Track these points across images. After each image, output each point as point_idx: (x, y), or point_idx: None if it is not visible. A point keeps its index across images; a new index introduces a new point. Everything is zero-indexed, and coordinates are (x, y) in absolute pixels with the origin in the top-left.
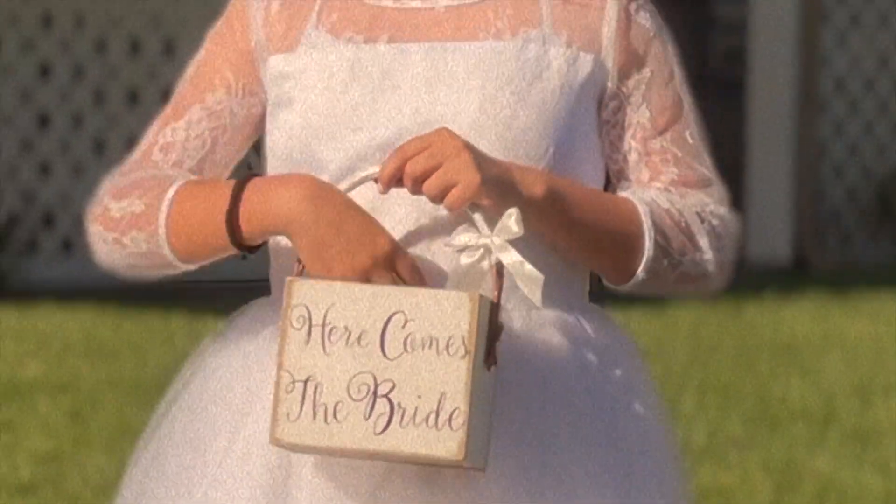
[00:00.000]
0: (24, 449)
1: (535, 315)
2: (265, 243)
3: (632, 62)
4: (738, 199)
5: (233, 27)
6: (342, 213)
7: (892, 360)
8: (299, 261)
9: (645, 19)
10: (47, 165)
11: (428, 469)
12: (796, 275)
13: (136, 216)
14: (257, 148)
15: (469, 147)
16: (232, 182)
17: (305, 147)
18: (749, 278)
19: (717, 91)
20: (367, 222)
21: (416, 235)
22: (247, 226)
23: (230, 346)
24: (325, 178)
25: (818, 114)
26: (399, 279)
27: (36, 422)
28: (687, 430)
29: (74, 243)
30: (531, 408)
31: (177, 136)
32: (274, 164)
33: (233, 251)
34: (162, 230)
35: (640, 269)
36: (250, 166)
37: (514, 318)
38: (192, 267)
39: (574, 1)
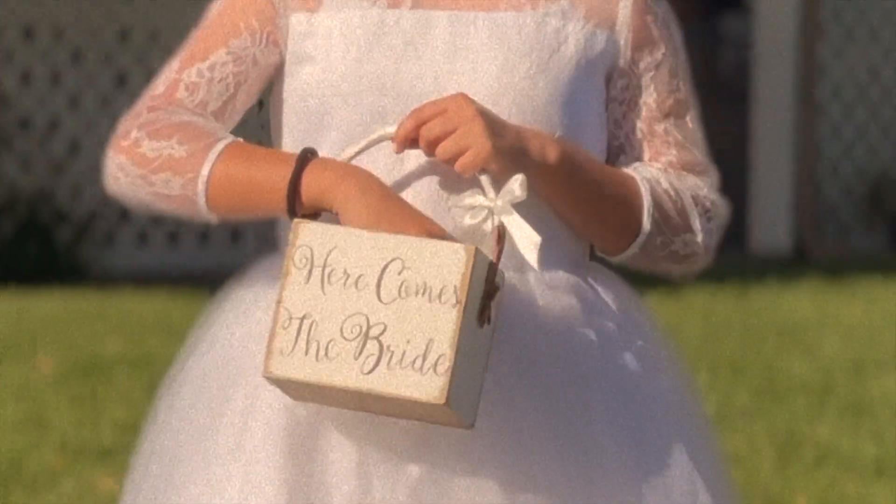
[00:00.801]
0: (106, 418)
1: (549, 278)
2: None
3: (644, 43)
4: (743, 195)
5: None
6: (384, 207)
7: (884, 339)
8: (316, 214)
9: (660, 7)
10: None
11: (460, 434)
12: (797, 263)
13: (174, 160)
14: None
15: (483, 113)
16: (287, 155)
17: (322, 102)
18: (754, 266)
19: (725, 99)
20: (406, 218)
21: (429, 196)
22: (304, 197)
23: (238, 311)
24: (334, 134)
25: (816, 118)
26: None
27: (116, 394)
28: (702, 400)
29: (149, 235)
30: (559, 379)
31: (202, 76)
32: (287, 112)
33: (277, 214)
34: (203, 180)
35: (636, 242)
36: (262, 102)
37: (531, 279)
38: (215, 219)
39: None
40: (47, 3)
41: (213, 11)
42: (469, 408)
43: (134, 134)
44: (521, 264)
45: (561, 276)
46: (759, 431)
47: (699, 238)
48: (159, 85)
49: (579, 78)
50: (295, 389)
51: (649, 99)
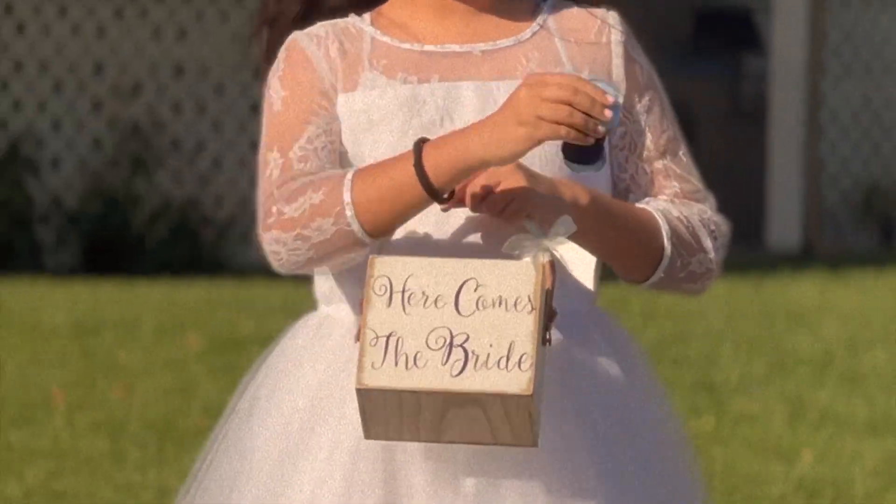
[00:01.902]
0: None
1: (572, 313)
2: (451, 195)
3: (635, 91)
4: (760, 201)
5: (305, 70)
6: (492, 114)
7: (875, 321)
8: (382, 246)
9: (640, 56)
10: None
11: (521, 450)
12: (803, 258)
13: (315, 206)
14: None
15: (521, 166)
16: (403, 155)
17: None
18: (768, 260)
19: (746, 123)
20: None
21: (479, 246)
22: (437, 174)
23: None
24: None
25: (819, 139)
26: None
27: (249, 366)
28: (724, 372)
29: None
30: (597, 406)
31: (306, 150)
32: None
33: (424, 204)
34: (349, 207)
35: (660, 268)
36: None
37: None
38: (376, 241)
39: (583, 41)
40: (195, 45)
41: (277, 108)
42: (538, 421)
43: (274, 210)
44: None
45: (585, 312)
46: (771, 396)
47: (711, 255)
48: (273, 172)
49: None
50: (379, 407)
51: (646, 140)
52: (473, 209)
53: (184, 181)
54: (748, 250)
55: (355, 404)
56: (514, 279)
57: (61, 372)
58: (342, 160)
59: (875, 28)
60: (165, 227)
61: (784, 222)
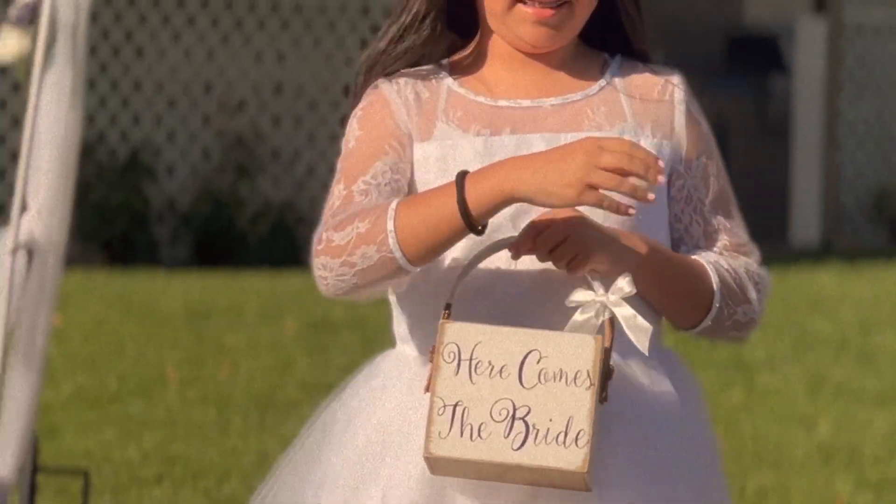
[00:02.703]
0: (333, 364)
1: (645, 361)
2: (485, 227)
3: (694, 150)
4: (785, 204)
5: (382, 113)
6: (541, 157)
7: (885, 308)
8: (446, 308)
9: (700, 116)
10: None
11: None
12: (822, 252)
13: (361, 235)
14: None
15: (586, 221)
16: (446, 186)
17: None
18: (791, 255)
19: (773, 137)
20: (562, 150)
21: (543, 294)
22: (476, 207)
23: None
24: (455, 252)
25: (836, 149)
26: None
27: (340, 346)
28: (753, 351)
29: None
30: (661, 450)
31: (369, 184)
32: None
33: (461, 235)
34: (392, 235)
35: (708, 316)
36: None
37: (633, 364)
38: (416, 268)
39: (648, 99)
40: (292, 67)
41: (351, 146)
42: (591, 470)
43: (325, 236)
44: (625, 350)
45: (654, 360)
46: (794, 372)
47: (755, 306)
48: (334, 203)
49: (654, 186)
50: (445, 467)
51: (701, 195)
52: (541, 259)
53: (282, 186)
54: (774, 246)
55: (420, 439)
56: (574, 353)
57: (175, 352)
58: None
59: (885, 53)
60: (266, 226)
61: (805, 222)
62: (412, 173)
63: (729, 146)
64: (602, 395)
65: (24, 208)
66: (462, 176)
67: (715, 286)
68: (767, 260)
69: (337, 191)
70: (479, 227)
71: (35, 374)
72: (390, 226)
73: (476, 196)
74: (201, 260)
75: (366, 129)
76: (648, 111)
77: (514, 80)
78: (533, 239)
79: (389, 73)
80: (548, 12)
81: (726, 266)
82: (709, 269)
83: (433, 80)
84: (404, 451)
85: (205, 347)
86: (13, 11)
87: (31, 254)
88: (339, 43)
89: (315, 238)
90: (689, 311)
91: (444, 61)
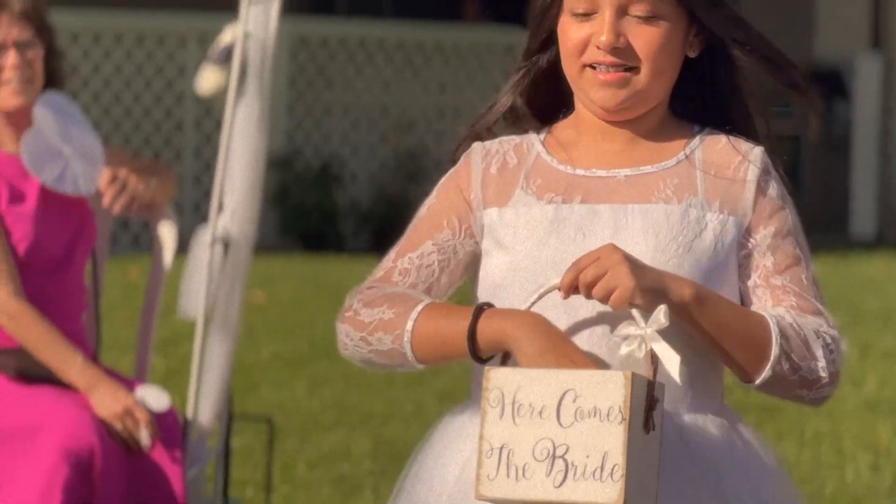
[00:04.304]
0: None
1: (699, 417)
2: (492, 357)
3: (761, 221)
4: (846, 203)
5: (459, 181)
6: (549, 343)
7: None
8: (505, 355)
9: (773, 189)
10: None
11: None
12: (876, 243)
13: (384, 322)
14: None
15: (628, 258)
16: (470, 308)
17: (510, 283)
18: (851, 244)
19: (837, 152)
20: (565, 351)
21: (596, 331)
22: (482, 340)
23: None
24: (517, 303)
25: (889, 162)
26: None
27: None
28: None
29: None
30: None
31: (412, 263)
32: (483, 291)
33: (466, 357)
34: (408, 334)
35: (767, 367)
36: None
37: (685, 419)
38: (421, 366)
39: (722, 176)
40: (452, 94)
41: (423, 211)
42: (649, 502)
43: (354, 306)
44: (676, 408)
45: (710, 418)
46: (848, 340)
47: (822, 364)
48: (378, 271)
49: (716, 257)
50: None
51: (767, 262)
52: (585, 296)
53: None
54: (836, 237)
55: None
56: (606, 390)
57: None
58: (476, 274)
59: None
60: None
61: (863, 218)
62: (479, 237)
63: (802, 159)
64: (648, 426)
65: (220, 209)
66: (480, 308)
67: (773, 334)
68: (831, 249)
69: (386, 259)
70: (484, 358)
71: (230, 341)
72: (409, 325)
73: (483, 331)
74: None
75: (439, 198)
76: (718, 188)
77: (596, 150)
78: (576, 276)
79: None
80: (611, 75)
81: (790, 321)
82: (769, 318)
83: (525, 147)
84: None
85: None
86: (212, 53)
87: (226, 246)
88: (488, 75)
89: (346, 303)
90: (748, 360)
91: (545, 129)
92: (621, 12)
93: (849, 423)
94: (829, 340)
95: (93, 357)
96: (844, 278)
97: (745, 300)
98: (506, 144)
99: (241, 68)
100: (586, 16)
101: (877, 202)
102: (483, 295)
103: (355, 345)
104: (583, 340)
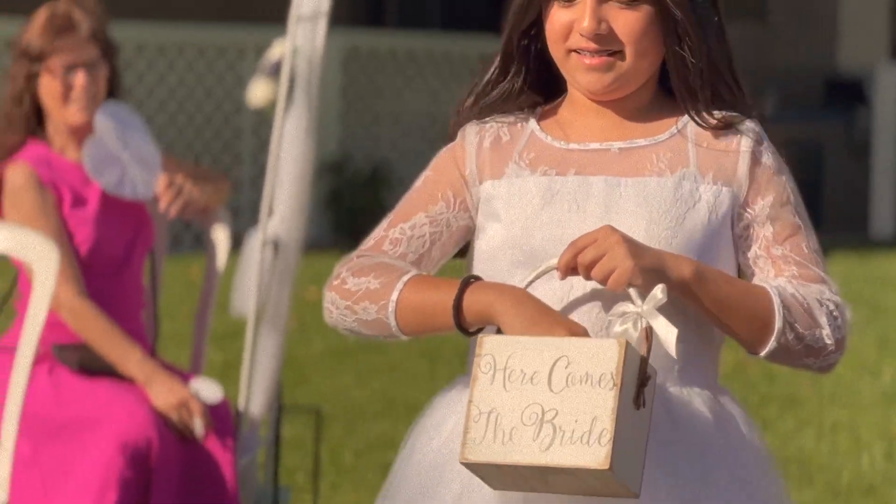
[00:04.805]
0: None
1: (686, 392)
2: (478, 330)
3: (759, 191)
4: (866, 204)
5: (455, 155)
6: (536, 314)
7: None
8: (498, 330)
9: (768, 158)
10: None
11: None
12: (895, 241)
13: (370, 291)
14: (463, 252)
15: (626, 239)
16: (456, 281)
17: (503, 253)
18: (870, 243)
19: (859, 156)
20: (553, 321)
21: (592, 310)
22: (468, 313)
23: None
24: (517, 278)
25: None
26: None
27: None
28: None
29: None
30: (684, 470)
31: (404, 234)
32: (479, 264)
33: (450, 330)
34: (392, 304)
35: (772, 339)
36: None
37: (670, 390)
38: (405, 337)
39: (714, 147)
40: None
41: (418, 183)
42: (633, 478)
43: (342, 275)
44: (664, 380)
45: (696, 391)
46: (867, 334)
47: (826, 331)
48: (370, 240)
49: (711, 229)
50: (488, 473)
51: (767, 232)
52: (584, 277)
53: None
54: (857, 236)
55: None
56: (600, 356)
57: None
58: (473, 235)
59: None
60: None
61: (882, 218)
62: (474, 211)
63: (824, 162)
64: (638, 401)
65: (270, 213)
66: (467, 281)
67: (776, 306)
68: (853, 247)
69: (379, 228)
70: (470, 330)
71: (279, 335)
72: (394, 296)
73: (469, 304)
74: None
75: (435, 170)
76: (712, 159)
77: (587, 125)
78: (575, 257)
79: (482, 117)
80: (595, 60)
81: (792, 291)
82: (770, 290)
83: (519, 125)
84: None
85: None
86: (263, 66)
87: (276, 247)
88: None
89: (335, 270)
90: (753, 332)
91: (538, 108)
92: None
93: (866, 414)
94: (832, 307)
95: (151, 352)
96: (864, 276)
97: (746, 271)
98: (500, 122)
99: (289, 81)
100: (569, 2)
101: (895, 204)
102: (477, 269)
103: (341, 313)
104: (580, 320)
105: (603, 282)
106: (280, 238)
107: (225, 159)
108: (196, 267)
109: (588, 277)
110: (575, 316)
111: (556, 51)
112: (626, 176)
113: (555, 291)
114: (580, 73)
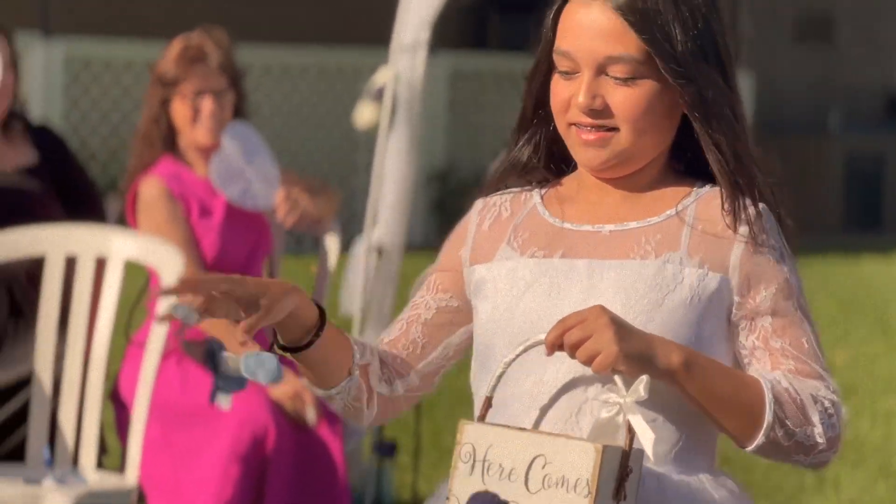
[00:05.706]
0: None
1: (665, 480)
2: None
3: (756, 281)
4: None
5: (458, 240)
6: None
7: None
8: (486, 402)
9: (770, 249)
10: None
11: None
12: None
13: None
14: None
15: (615, 322)
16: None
17: (490, 334)
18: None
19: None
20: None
21: (574, 392)
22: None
23: None
24: (497, 355)
25: None
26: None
27: None
28: (886, 307)
29: None
30: None
31: (424, 299)
32: (476, 347)
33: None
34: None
35: (761, 434)
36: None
37: (648, 478)
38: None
39: (709, 231)
40: None
41: (438, 258)
42: None
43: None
44: (695, 466)
45: (694, 477)
46: (876, 324)
47: (819, 429)
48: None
49: (694, 313)
50: None
51: (766, 323)
52: (570, 355)
53: None
54: (873, 232)
55: None
56: (576, 461)
57: None
58: (470, 315)
59: None
60: None
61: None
62: (469, 293)
63: (885, 172)
64: (619, 496)
65: (374, 222)
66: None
67: (767, 401)
68: (871, 245)
69: (422, 282)
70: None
71: (383, 332)
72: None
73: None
74: None
75: (443, 252)
76: (702, 245)
77: (589, 205)
78: (562, 335)
79: (499, 188)
80: (591, 136)
81: (786, 385)
82: (763, 383)
83: (523, 199)
84: None
85: None
86: (368, 90)
87: (380, 253)
88: None
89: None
90: (741, 424)
91: (550, 182)
92: (599, 72)
93: None
94: (827, 405)
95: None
96: (883, 269)
97: (743, 362)
98: (505, 196)
99: (391, 105)
100: (569, 75)
101: None
102: (477, 347)
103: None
104: (561, 400)
105: (587, 363)
106: (384, 244)
107: (342, 170)
108: (316, 266)
109: (573, 356)
110: (556, 395)
111: (558, 123)
112: (611, 258)
113: (536, 367)
114: (578, 147)
